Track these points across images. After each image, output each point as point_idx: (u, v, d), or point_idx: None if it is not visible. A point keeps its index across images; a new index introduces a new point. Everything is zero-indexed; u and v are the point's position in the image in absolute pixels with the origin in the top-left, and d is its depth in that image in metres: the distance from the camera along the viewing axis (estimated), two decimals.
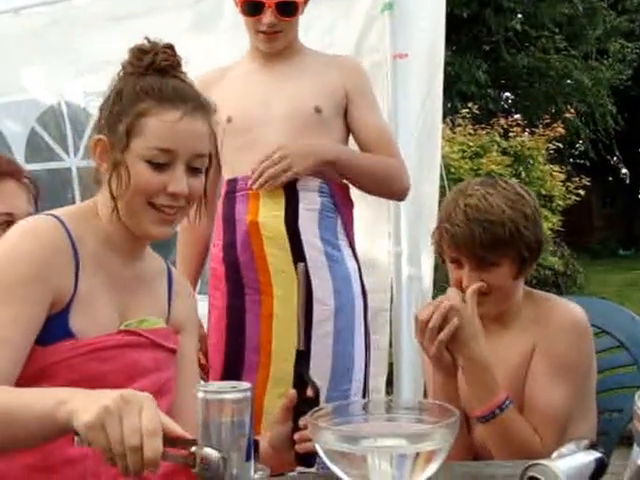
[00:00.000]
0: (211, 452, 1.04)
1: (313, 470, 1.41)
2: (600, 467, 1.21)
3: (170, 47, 1.40)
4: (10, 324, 1.22)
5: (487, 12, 11.25)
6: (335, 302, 2.11)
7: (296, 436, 1.34)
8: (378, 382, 2.82)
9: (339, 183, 2.19)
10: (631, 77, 13.37)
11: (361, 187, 2.24)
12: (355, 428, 1.11)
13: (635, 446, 1.03)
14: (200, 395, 1.06)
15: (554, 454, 1.23)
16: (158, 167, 1.35)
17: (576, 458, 1.22)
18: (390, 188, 2.23)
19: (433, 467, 1.01)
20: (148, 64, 1.38)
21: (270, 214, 2.09)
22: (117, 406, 1.03)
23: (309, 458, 1.34)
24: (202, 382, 1.51)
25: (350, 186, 2.23)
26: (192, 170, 1.38)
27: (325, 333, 2.08)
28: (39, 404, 1.10)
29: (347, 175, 2.19)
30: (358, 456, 1.01)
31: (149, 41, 1.40)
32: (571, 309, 1.72)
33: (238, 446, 1.06)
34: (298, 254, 2.06)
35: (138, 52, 1.39)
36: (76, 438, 1.05)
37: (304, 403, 1.32)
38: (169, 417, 1.42)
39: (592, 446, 1.26)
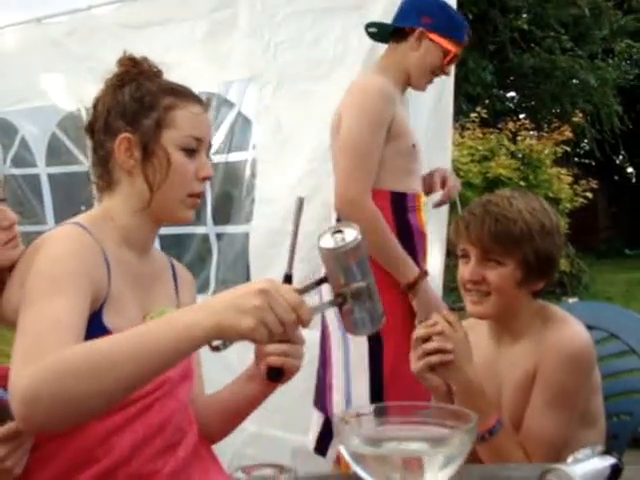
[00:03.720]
0: (359, 284, 1.22)
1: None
2: (615, 472, 1.23)
3: (145, 58, 1.53)
4: (67, 311, 1.25)
5: (493, 12, 11.27)
6: None
7: (274, 348, 1.39)
8: None
9: None
10: (637, 76, 13.37)
11: None
12: (379, 432, 1.15)
13: None
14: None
15: (569, 459, 1.24)
16: (190, 154, 1.47)
17: (592, 463, 1.23)
18: None
19: (452, 469, 1.05)
20: (143, 70, 1.49)
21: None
22: (264, 301, 1.12)
23: (276, 373, 1.42)
24: None
25: None
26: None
27: None
28: (162, 334, 1.15)
29: None
30: (382, 458, 1.06)
31: (125, 53, 1.50)
32: (576, 338, 1.69)
33: (371, 278, 1.25)
34: None
35: (132, 61, 1.50)
36: (217, 343, 1.17)
37: None
38: (189, 401, 1.53)
39: (606, 451, 1.26)
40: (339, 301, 1.23)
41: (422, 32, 2.37)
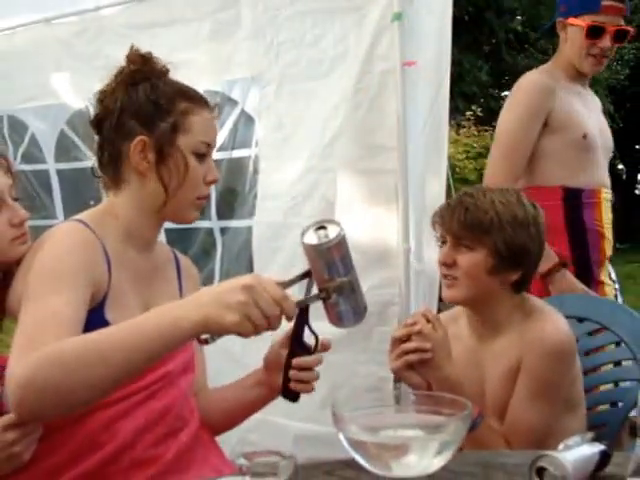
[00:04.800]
0: (342, 279, 1.23)
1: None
2: (604, 458, 1.26)
3: (151, 54, 1.55)
4: (65, 305, 1.29)
5: (489, 14, 11.33)
6: None
7: (292, 375, 1.42)
8: (387, 372, 2.96)
9: None
10: (627, 76, 13.47)
11: None
12: (376, 419, 1.19)
13: (638, 439, 1.10)
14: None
15: (560, 446, 1.27)
16: (201, 158, 1.50)
17: (582, 450, 1.26)
18: None
19: (447, 456, 1.09)
20: (154, 68, 1.52)
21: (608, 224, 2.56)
22: (248, 296, 1.15)
23: (294, 396, 1.44)
24: None
25: None
26: None
27: None
28: (151, 327, 1.18)
29: None
30: (379, 445, 1.09)
31: (132, 49, 1.53)
32: (557, 331, 1.72)
33: (354, 272, 1.26)
34: None
35: (141, 58, 1.52)
36: (205, 336, 1.21)
37: (301, 346, 1.39)
38: (191, 392, 1.56)
39: (595, 438, 1.29)
40: (323, 296, 1.25)
41: (561, 22, 2.46)
